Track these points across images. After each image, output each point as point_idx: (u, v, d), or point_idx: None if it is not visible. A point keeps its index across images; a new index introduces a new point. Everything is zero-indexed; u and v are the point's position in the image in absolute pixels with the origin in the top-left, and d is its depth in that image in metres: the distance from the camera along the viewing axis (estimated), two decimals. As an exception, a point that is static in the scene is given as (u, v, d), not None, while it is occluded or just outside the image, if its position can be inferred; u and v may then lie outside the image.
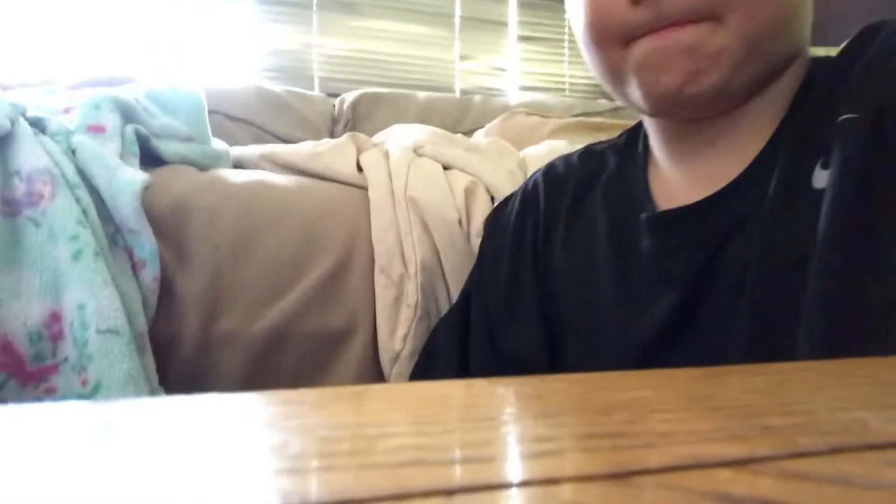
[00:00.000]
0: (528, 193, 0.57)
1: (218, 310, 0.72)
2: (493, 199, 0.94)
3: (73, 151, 0.70)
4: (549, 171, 0.57)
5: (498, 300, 0.54)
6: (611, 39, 0.44)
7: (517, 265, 0.54)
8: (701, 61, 0.41)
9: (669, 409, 0.19)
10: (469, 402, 0.20)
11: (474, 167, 0.96)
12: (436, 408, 0.19)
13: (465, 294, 0.58)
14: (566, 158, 0.57)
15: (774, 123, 0.44)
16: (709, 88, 0.42)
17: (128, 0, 1.82)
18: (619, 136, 0.55)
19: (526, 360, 0.51)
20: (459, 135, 1.19)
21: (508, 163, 1.00)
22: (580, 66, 2.54)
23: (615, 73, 0.45)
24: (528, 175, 1.00)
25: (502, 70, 2.41)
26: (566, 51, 2.49)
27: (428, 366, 0.57)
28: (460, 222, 0.88)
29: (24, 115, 0.72)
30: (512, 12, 2.42)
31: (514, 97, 2.25)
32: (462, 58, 2.35)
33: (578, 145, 1.14)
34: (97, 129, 0.73)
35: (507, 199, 0.58)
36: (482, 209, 0.90)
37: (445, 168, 0.97)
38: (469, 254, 0.90)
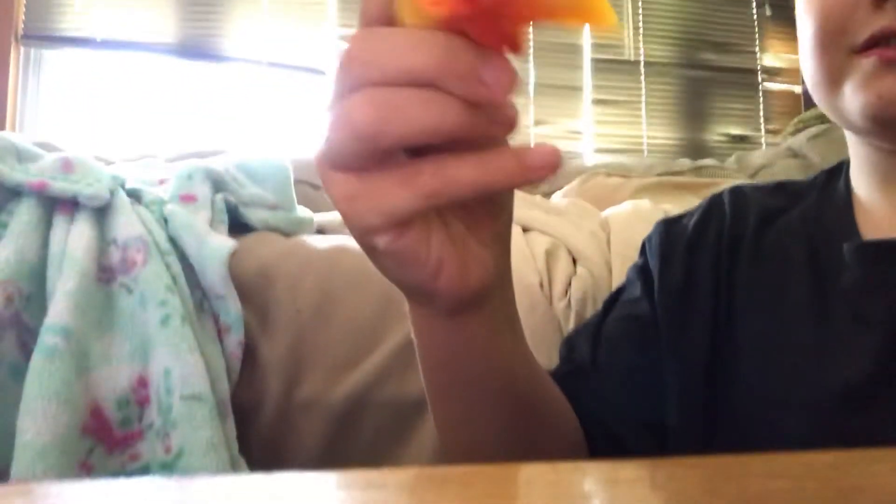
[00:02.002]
0: (712, 202, 0.51)
1: (299, 376, 0.72)
2: (574, 261, 0.91)
3: (166, 220, 0.73)
4: (736, 189, 0.52)
5: (667, 298, 0.48)
6: (840, 44, 0.41)
7: (693, 265, 0.48)
8: None
9: (811, 502, 0.16)
10: (565, 487, 0.18)
11: (555, 229, 0.94)
12: (532, 496, 0.17)
13: (607, 304, 0.52)
14: (754, 185, 0.53)
15: None
16: None
17: (221, 79, 1.97)
18: (816, 177, 0.51)
19: (684, 373, 0.45)
20: (538, 196, 1.18)
21: (590, 224, 0.97)
22: (659, 127, 2.51)
23: (833, 81, 0.42)
24: (611, 236, 0.97)
25: (578, 133, 2.41)
26: (643, 112, 2.47)
27: (570, 368, 0.50)
28: (542, 285, 0.86)
29: (123, 186, 0.76)
30: (586, 77, 2.44)
31: (590, 159, 2.24)
32: (537, 122, 2.37)
33: (663, 204, 1.10)
34: (189, 199, 0.76)
35: (682, 214, 0.53)
36: (564, 272, 0.87)
37: (525, 230, 0.95)
38: (551, 318, 0.87)
